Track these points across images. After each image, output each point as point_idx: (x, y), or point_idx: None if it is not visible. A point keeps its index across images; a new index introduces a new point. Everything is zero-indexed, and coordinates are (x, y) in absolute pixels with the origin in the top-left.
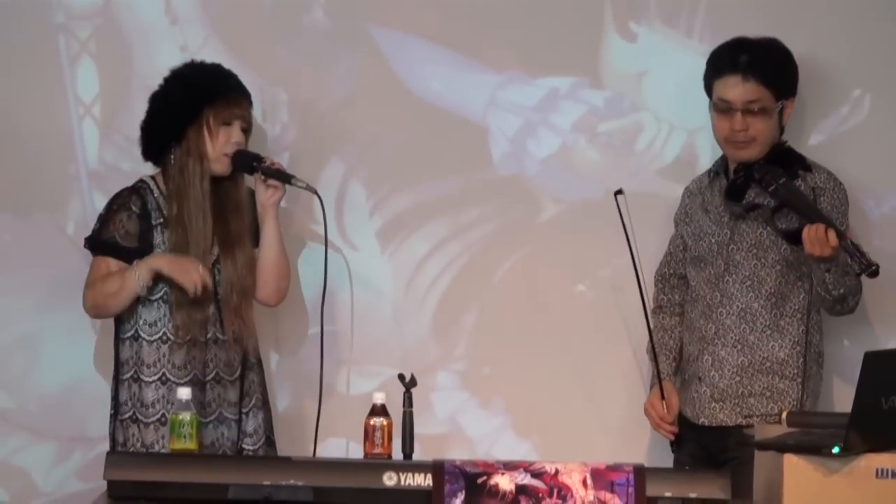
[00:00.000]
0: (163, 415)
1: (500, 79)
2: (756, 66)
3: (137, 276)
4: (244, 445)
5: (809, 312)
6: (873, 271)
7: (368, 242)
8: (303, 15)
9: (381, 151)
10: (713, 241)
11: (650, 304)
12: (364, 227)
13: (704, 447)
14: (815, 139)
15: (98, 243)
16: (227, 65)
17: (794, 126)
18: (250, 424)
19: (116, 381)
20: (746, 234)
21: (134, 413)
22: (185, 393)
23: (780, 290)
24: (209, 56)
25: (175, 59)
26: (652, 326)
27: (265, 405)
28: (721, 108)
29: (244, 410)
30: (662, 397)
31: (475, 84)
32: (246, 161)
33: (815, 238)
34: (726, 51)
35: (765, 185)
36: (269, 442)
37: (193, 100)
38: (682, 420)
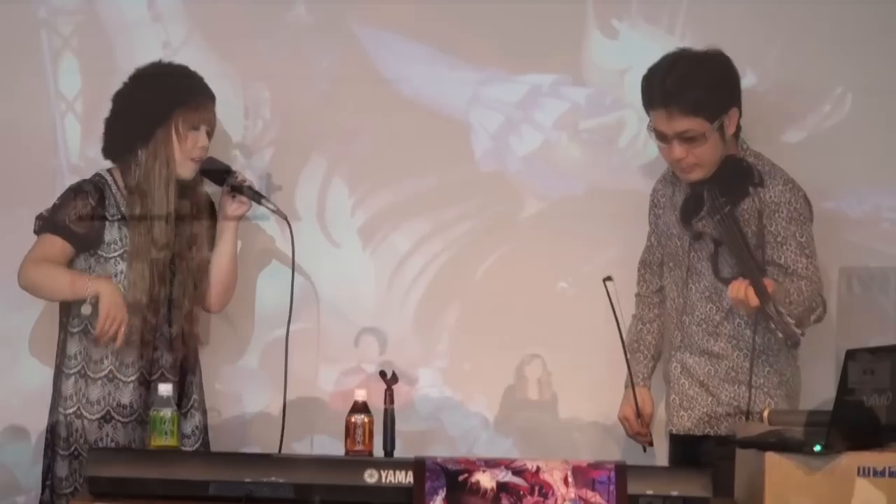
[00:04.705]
0: (107, 412)
1: (482, 75)
2: (679, 98)
3: (88, 291)
4: (181, 446)
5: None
6: (794, 342)
7: (350, 239)
8: (284, 11)
9: (363, 148)
10: (677, 242)
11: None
12: (346, 223)
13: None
14: (796, 136)
15: (48, 222)
16: (209, 61)
17: (774, 123)
18: (188, 426)
19: (60, 374)
20: (705, 244)
21: (79, 409)
22: (165, 389)
23: None
24: (191, 52)
25: (157, 56)
26: (633, 315)
27: (202, 407)
28: (658, 137)
29: (182, 411)
30: (636, 405)
31: (457, 81)
32: (216, 172)
33: (737, 298)
34: (654, 78)
35: (711, 213)
36: (205, 443)
37: (163, 101)
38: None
